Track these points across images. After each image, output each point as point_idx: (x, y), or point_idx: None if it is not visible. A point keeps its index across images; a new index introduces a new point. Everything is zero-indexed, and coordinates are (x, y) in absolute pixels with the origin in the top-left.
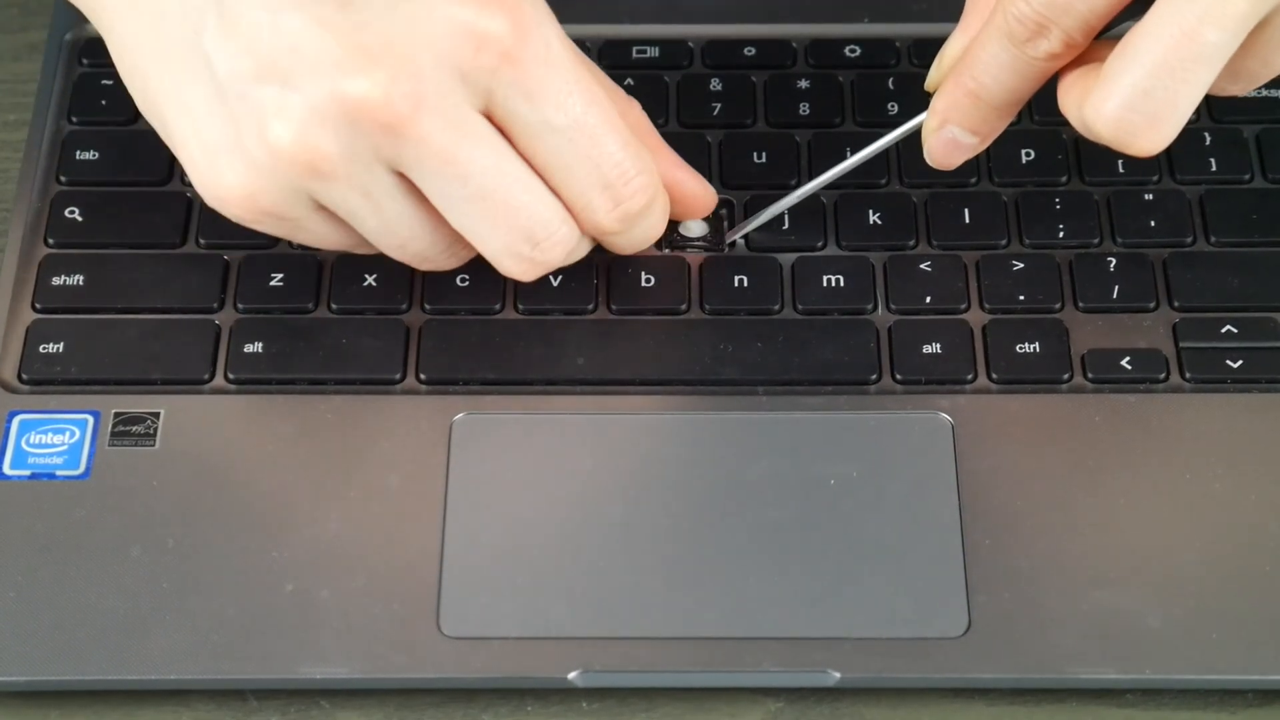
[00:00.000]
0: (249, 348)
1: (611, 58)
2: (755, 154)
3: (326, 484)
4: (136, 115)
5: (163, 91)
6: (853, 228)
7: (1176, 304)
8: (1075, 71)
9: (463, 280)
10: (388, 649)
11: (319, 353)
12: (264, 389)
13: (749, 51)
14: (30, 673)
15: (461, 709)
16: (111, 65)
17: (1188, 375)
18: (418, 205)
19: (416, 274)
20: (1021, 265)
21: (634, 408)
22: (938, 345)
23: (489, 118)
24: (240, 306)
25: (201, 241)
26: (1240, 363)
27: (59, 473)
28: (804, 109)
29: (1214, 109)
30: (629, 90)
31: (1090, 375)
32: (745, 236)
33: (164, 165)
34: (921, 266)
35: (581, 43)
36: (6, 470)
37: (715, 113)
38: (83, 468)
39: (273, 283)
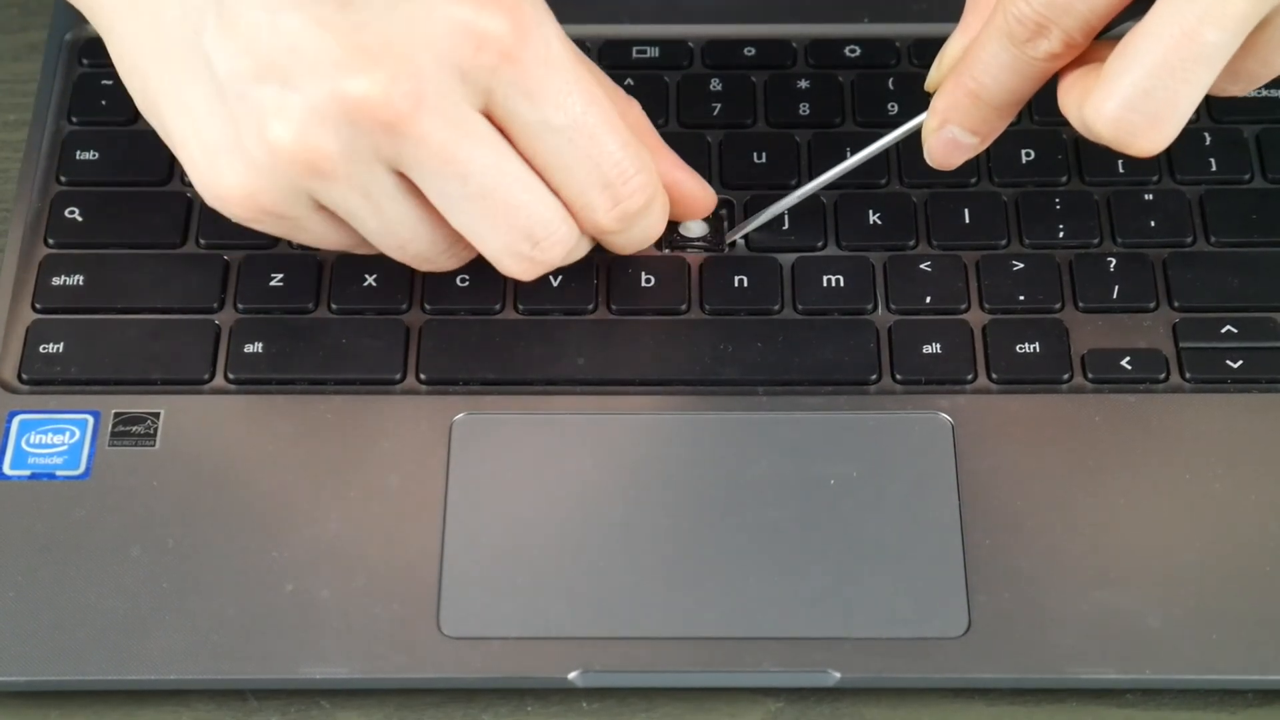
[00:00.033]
0: (249, 348)
1: (611, 58)
2: (755, 154)
3: (326, 484)
4: (136, 115)
5: (162, 91)
6: (853, 228)
7: (1176, 304)
8: (1075, 72)
9: (463, 280)
10: (388, 649)
11: (319, 353)
12: (264, 389)
13: (749, 51)
14: (30, 673)
15: (461, 709)
16: (111, 65)
17: (1188, 375)
18: (418, 205)
19: (416, 274)
20: (1021, 265)
21: (634, 408)
22: (938, 345)
23: (489, 117)
24: (240, 306)
25: (201, 241)
26: (1240, 363)
27: (59, 473)
28: (804, 109)
29: (1214, 109)
30: (629, 90)
31: (1090, 375)
32: (745, 236)
33: (164, 165)
34: (921, 266)
35: (581, 43)
36: (6, 470)
37: (715, 113)
38: (83, 468)
39: (273, 283)
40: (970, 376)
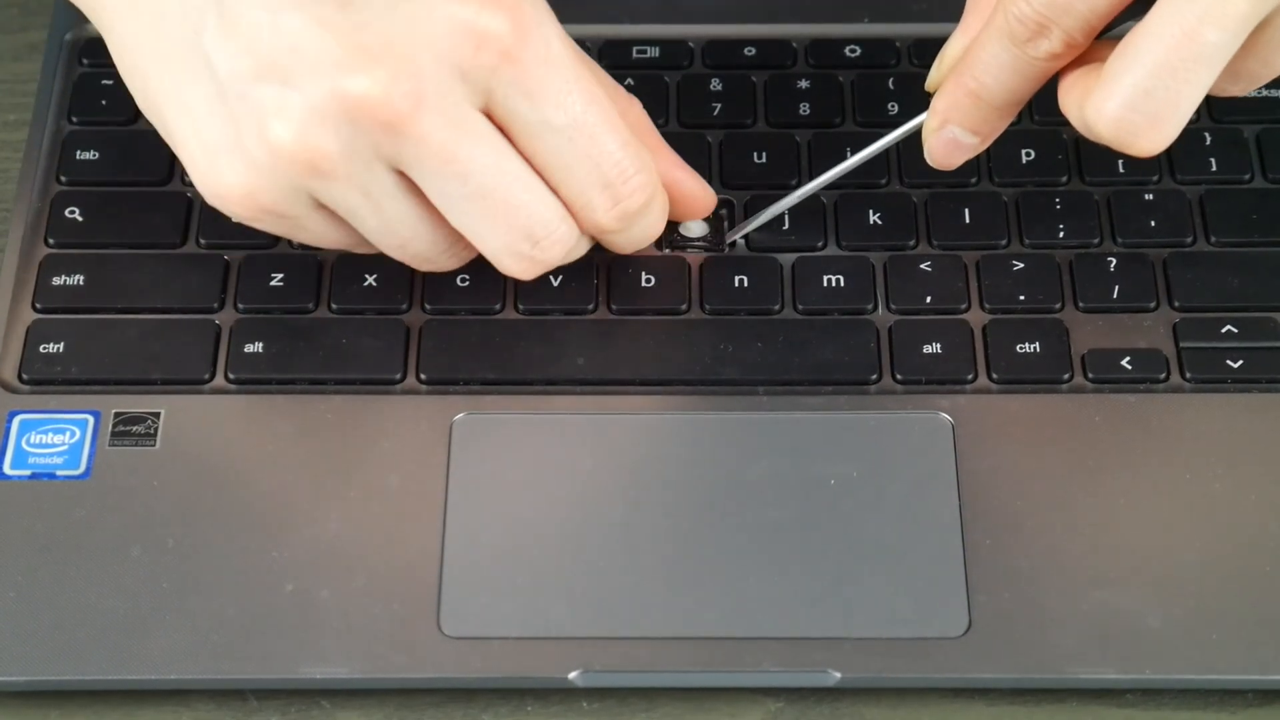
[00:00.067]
0: (249, 348)
1: (611, 58)
2: (755, 154)
3: (326, 484)
4: (136, 115)
5: (163, 91)
6: (853, 228)
7: (1176, 304)
8: (1076, 71)
9: (463, 280)
10: (388, 649)
11: (319, 353)
12: (264, 389)
13: (749, 51)
14: (30, 673)
15: (461, 709)
16: (112, 65)
17: (1188, 375)
18: (418, 204)
19: (416, 274)
20: (1022, 265)
21: (634, 408)
22: (938, 345)
23: (489, 116)
24: (240, 306)
25: (202, 241)
26: (1240, 363)
27: (59, 473)
28: (804, 109)
29: (1214, 109)
30: (629, 90)
31: (1090, 375)
32: (745, 236)
33: (164, 165)
34: (922, 266)
35: (581, 43)
36: (7, 470)
37: (715, 113)
38: (83, 468)
39: (273, 283)
40: (970, 376)
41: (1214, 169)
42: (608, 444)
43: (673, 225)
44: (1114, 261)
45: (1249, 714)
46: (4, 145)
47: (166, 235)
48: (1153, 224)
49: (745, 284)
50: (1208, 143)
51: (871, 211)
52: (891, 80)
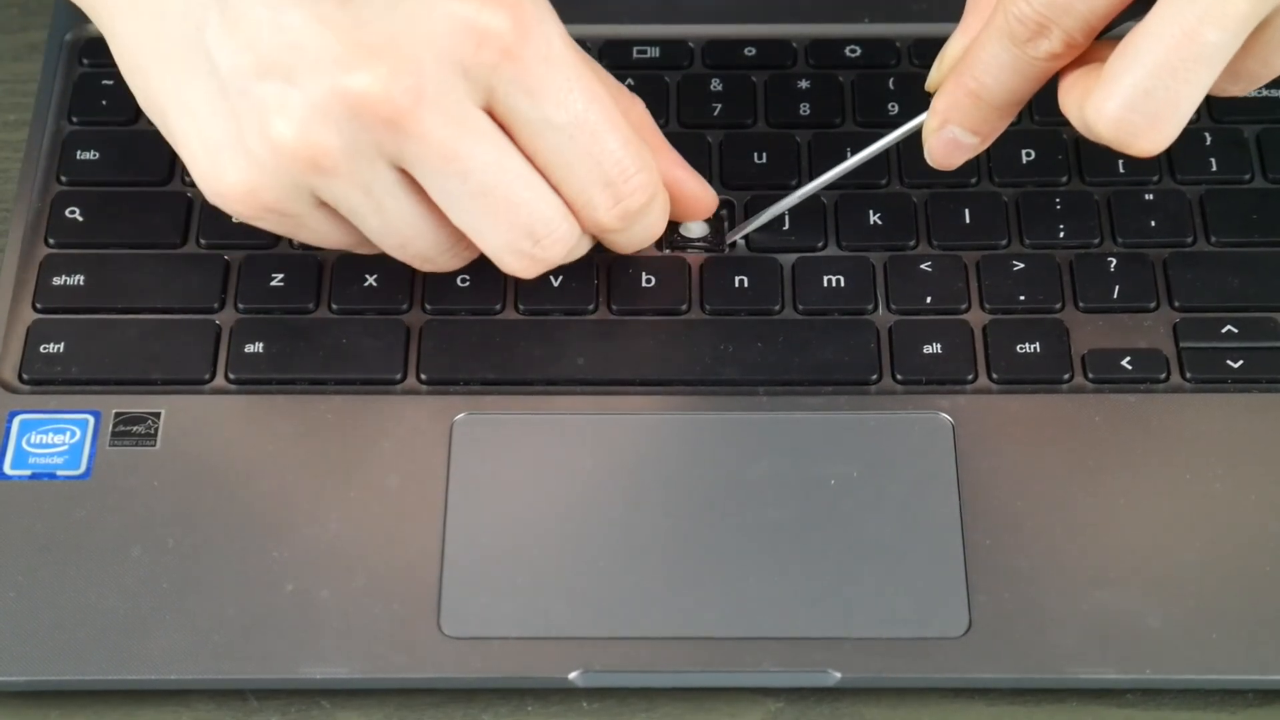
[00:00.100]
0: (249, 348)
1: (612, 58)
2: (755, 154)
3: (326, 484)
4: (137, 115)
5: (164, 89)
6: (853, 228)
7: (1177, 304)
8: (1076, 72)
9: (463, 280)
10: (388, 649)
11: (319, 353)
12: (264, 389)
13: (749, 51)
14: (30, 673)
15: (461, 709)
16: (112, 65)
17: (1188, 375)
18: (419, 203)
19: (417, 274)
20: (1022, 265)
21: (634, 408)
22: (938, 345)
23: (490, 114)
24: (241, 306)
25: (202, 241)
26: (1240, 363)
27: (59, 473)
28: (804, 109)
29: (1214, 109)
30: (629, 90)
31: (1090, 375)
32: (745, 237)
33: (164, 165)
34: (922, 266)
35: (582, 42)
36: (7, 470)
37: (715, 113)
38: (83, 468)
39: (273, 283)
40: (970, 376)
41: (1214, 169)
42: (608, 444)
43: (673, 225)
44: (1114, 261)
45: (1249, 714)
46: (4, 145)
47: (167, 235)
48: (1153, 224)
49: (745, 284)
50: (1208, 143)
51: (872, 212)
52: (891, 80)
